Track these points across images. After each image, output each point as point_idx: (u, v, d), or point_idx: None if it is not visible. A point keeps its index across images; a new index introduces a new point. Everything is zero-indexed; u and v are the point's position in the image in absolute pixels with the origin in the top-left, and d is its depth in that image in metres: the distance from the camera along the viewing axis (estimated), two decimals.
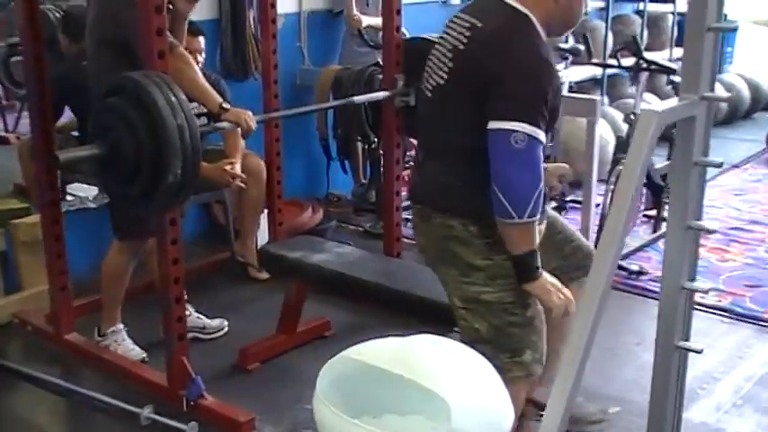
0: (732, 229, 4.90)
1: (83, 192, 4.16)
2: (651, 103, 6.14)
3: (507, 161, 2.21)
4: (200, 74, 3.01)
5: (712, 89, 1.96)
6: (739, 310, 3.93)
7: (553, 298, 2.30)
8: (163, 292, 3.01)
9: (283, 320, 3.54)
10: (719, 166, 2.01)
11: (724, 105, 6.64)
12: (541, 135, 2.21)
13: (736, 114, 7.49)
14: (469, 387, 1.69)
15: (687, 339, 2.17)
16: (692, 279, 2.11)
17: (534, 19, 2.26)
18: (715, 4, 1.86)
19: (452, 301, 2.42)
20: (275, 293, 3.91)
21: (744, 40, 8.63)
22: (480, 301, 2.34)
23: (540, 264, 2.30)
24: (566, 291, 2.33)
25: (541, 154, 2.24)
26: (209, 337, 3.63)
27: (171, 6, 3.09)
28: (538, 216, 2.26)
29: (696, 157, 1.98)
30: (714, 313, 3.84)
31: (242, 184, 3.87)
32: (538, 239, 2.31)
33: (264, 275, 4.18)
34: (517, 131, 2.17)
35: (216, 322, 3.68)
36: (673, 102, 1.93)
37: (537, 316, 2.39)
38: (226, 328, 3.70)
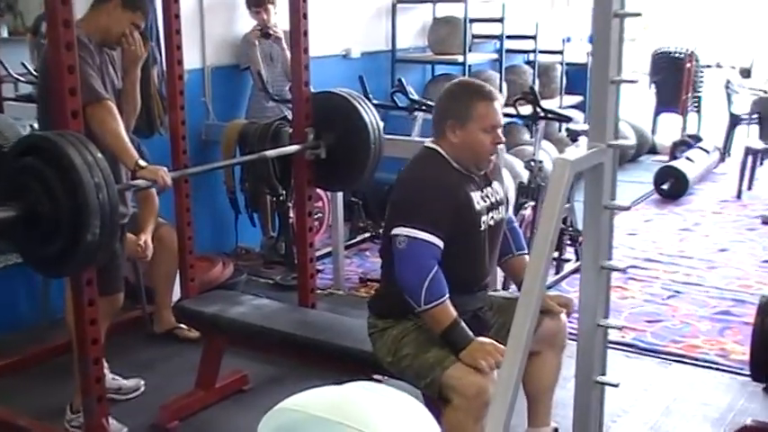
0: (629, 267, 5.11)
1: None
2: (546, 149, 6.38)
3: (395, 260, 2.64)
4: (123, 128, 3.01)
5: (617, 137, 2.10)
6: (641, 344, 4.10)
7: (478, 363, 2.55)
8: (81, 353, 2.95)
9: (201, 376, 3.51)
10: (627, 208, 2.15)
11: None
12: (423, 234, 2.59)
13: (624, 158, 7.83)
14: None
15: (604, 374, 2.28)
16: (606, 317, 2.23)
17: (442, 152, 2.75)
18: (616, 59, 2.01)
19: None
20: (189, 349, 3.88)
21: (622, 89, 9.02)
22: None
23: (461, 336, 2.58)
24: (495, 351, 2.55)
25: (428, 251, 2.60)
26: (125, 397, 3.55)
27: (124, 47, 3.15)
28: (440, 299, 2.58)
29: (605, 201, 2.11)
30: (618, 349, 3.99)
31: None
32: (450, 315, 2.59)
33: (195, 334, 3.99)
34: (398, 235, 2.61)
35: (132, 382, 3.62)
36: (582, 150, 2.06)
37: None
38: (142, 388, 3.63)
